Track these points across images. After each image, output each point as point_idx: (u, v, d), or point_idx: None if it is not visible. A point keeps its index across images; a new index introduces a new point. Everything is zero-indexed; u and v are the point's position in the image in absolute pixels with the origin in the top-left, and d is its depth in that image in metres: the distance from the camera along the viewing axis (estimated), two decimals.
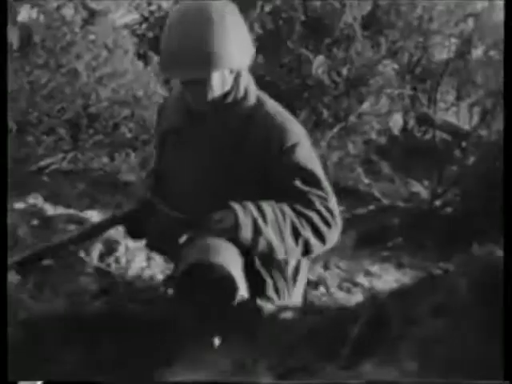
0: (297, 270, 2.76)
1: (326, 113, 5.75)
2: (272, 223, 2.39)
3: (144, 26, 7.21)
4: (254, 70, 6.15)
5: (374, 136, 6.09)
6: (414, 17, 6.87)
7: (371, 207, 5.21)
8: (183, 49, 2.39)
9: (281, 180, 2.49)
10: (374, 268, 4.16)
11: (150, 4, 6.65)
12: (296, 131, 2.55)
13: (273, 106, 2.60)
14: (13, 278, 3.27)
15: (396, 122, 6.88)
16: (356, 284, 3.90)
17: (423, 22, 6.66)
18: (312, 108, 5.75)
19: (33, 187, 5.20)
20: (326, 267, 4.11)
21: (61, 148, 5.83)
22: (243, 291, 2.43)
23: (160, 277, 3.21)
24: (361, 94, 6.09)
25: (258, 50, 6.14)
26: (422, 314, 2.00)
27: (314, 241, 2.46)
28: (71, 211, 4.45)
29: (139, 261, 3.33)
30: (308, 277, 3.77)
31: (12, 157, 5.78)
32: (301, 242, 2.44)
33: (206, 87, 2.46)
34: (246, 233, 2.38)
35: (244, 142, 2.53)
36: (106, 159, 6.36)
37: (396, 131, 6.70)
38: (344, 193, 5.38)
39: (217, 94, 2.50)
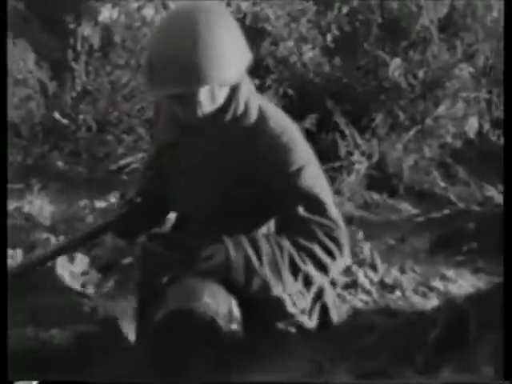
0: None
1: (402, 116, 5.74)
2: (268, 259, 2.24)
3: None
4: (331, 71, 6.21)
5: (449, 139, 6.05)
6: (489, 20, 6.79)
7: (446, 211, 5.18)
8: (165, 62, 2.17)
9: (283, 206, 2.34)
10: (450, 272, 4.15)
11: (228, 5, 6.74)
12: (302, 153, 2.37)
13: (278, 122, 2.39)
14: (94, 276, 3.39)
15: (471, 125, 6.81)
16: (432, 288, 3.90)
17: (499, 25, 6.58)
18: (388, 111, 5.74)
19: (113, 186, 5.31)
20: (401, 271, 4.13)
21: (140, 147, 5.95)
22: (235, 325, 2.30)
23: None
24: (437, 97, 6.05)
25: (335, 52, 6.19)
26: (499, 319, 2.00)
27: (315, 273, 2.32)
28: None
29: None
30: (384, 280, 3.81)
31: (93, 156, 5.95)
32: (300, 276, 2.30)
33: (195, 102, 2.26)
34: (238, 271, 2.24)
35: (246, 163, 2.35)
36: None
37: (471, 135, 6.64)
38: (419, 196, 5.39)
39: (207, 109, 2.30)
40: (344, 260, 2.36)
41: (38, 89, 6.73)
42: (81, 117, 6.34)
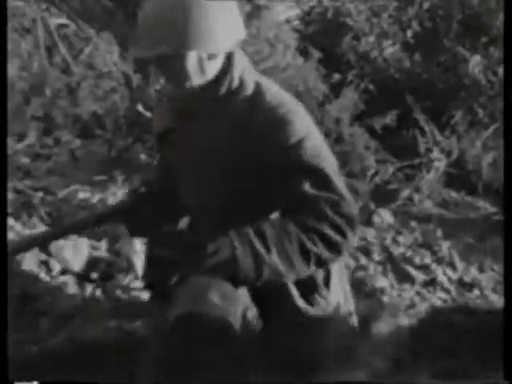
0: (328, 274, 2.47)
1: (481, 113, 5.70)
2: (277, 248, 2.09)
3: (304, 21, 7.33)
4: (411, 67, 6.20)
5: None
6: None
7: None
8: (154, 23, 2.14)
9: (287, 183, 2.18)
10: None
11: None
12: (301, 124, 2.23)
13: (274, 95, 2.28)
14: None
15: None
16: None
17: None
18: (467, 108, 5.71)
19: None
20: (480, 269, 4.14)
21: None
22: (254, 319, 2.25)
23: None
24: None
25: (415, 48, 6.19)
26: None
27: (327, 254, 2.15)
28: None
29: None
30: (463, 278, 3.84)
31: None
32: (313, 260, 2.13)
33: (183, 70, 2.20)
34: (246, 264, 2.09)
35: (243, 141, 2.24)
36: None
37: None
38: (497, 194, 5.37)
39: (196, 81, 2.23)
40: (354, 236, 2.19)
41: (123, 81, 6.88)
42: None
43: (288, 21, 7.33)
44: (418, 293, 3.81)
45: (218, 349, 2.10)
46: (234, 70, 2.24)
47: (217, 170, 2.30)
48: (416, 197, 5.22)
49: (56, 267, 3.67)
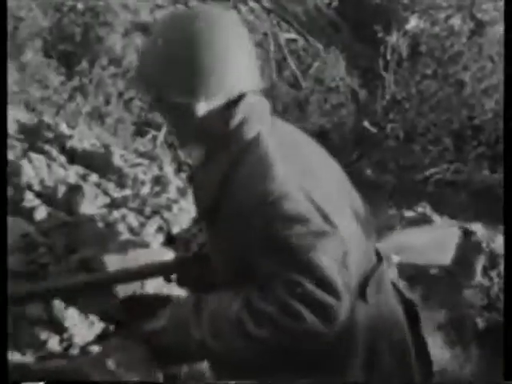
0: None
1: None
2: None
3: None
4: None
5: None
6: None
7: None
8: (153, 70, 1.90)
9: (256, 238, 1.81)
10: None
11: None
12: (284, 178, 1.82)
13: (274, 145, 1.90)
14: None
15: None
16: None
17: None
18: None
19: (421, 196, 5.45)
20: None
21: (445, 158, 6.05)
22: None
23: None
24: None
25: None
26: None
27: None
28: (454, 222, 4.67)
29: None
30: None
31: (399, 165, 6.16)
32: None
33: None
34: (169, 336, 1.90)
35: (226, 187, 1.91)
36: (486, 172, 6.44)
37: None
38: None
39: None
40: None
41: (349, 96, 7.03)
42: (389, 126, 6.56)
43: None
44: None
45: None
46: (239, 108, 1.90)
47: (208, 217, 2.02)
48: None
49: None
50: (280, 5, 8.62)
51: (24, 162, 3.26)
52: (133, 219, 2.94)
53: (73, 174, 3.34)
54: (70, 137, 3.72)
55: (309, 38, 8.25)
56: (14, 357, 2.18)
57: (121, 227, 2.86)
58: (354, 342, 1.89)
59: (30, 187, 3.13)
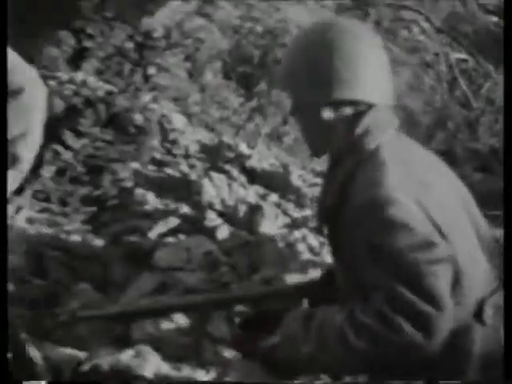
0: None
1: None
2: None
3: None
4: None
5: None
6: None
7: None
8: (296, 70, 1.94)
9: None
10: None
11: None
12: (396, 186, 1.82)
13: (392, 157, 1.90)
14: None
15: None
16: None
17: None
18: None
19: None
20: None
21: None
22: None
23: None
24: None
25: None
26: None
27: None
28: None
29: None
30: None
31: None
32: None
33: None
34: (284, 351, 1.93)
35: (344, 199, 1.90)
36: None
37: None
38: None
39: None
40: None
41: None
42: None
43: None
44: None
45: None
46: (364, 119, 1.91)
47: (329, 224, 2.00)
48: None
49: None
50: (451, 25, 8.49)
51: (205, 182, 3.35)
52: (313, 239, 2.98)
53: (253, 193, 3.41)
54: (250, 157, 3.80)
55: (479, 58, 8.08)
56: (197, 374, 2.22)
57: (301, 247, 2.90)
58: (467, 362, 1.84)
59: (211, 206, 3.22)
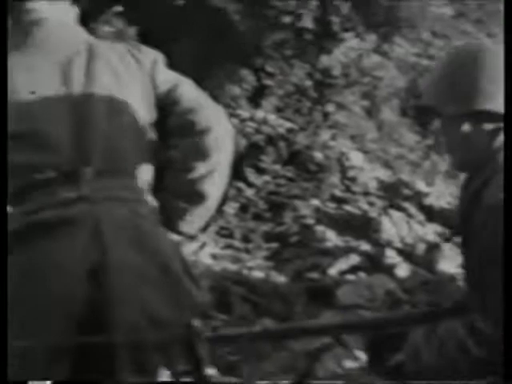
0: None
1: None
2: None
3: None
4: None
5: None
6: None
7: None
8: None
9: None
10: None
11: None
12: None
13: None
14: None
15: None
16: None
17: None
18: None
19: None
20: None
21: None
22: None
23: None
24: None
25: None
26: None
27: None
28: None
29: None
30: None
31: None
32: None
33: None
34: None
35: (475, 207, 1.84)
36: None
37: None
38: None
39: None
40: None
41: None
42: None
43: None
44: None
45: None
46: (501, 136, 1.88)
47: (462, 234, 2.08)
48: None
49: None
50: None
51: (384, 219, 3.36)
52: None
53: (431, 231, 3.39)
54: (427, 194, 3.78)
55: None
56: None
57: None
58: None
59: (389, 244, 3.22)
